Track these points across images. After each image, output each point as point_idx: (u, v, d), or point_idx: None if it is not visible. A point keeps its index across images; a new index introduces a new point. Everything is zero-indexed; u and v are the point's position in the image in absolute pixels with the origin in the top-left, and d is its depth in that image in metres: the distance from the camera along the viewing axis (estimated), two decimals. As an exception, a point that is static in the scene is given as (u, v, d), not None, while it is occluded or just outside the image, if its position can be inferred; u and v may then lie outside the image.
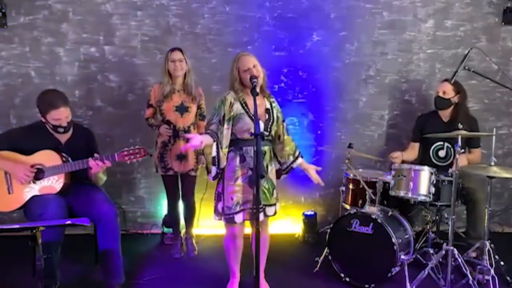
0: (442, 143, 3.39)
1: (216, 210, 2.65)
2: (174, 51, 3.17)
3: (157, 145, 3.28)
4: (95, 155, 2.65)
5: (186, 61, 3.18)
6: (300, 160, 2.74)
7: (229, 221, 2.57)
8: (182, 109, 3.19)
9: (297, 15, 3.83)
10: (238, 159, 2.56)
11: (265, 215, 2.62)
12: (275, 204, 2.67)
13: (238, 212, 2.55)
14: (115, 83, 3.81)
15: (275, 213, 2.68)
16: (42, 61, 3.72)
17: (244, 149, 2.56)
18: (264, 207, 2.60)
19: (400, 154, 3.35)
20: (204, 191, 3.48)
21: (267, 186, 2.60)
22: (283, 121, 2.74)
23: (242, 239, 2.71)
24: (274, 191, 2.66)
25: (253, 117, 2.49)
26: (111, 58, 3.77)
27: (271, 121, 2.62)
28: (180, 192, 3.38)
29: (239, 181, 2.56)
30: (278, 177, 2.76)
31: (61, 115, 2.61)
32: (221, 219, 2.62)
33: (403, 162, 3.31)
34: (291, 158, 2.71)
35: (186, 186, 3.34)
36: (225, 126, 2.50)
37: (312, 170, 2.75)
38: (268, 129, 2.60)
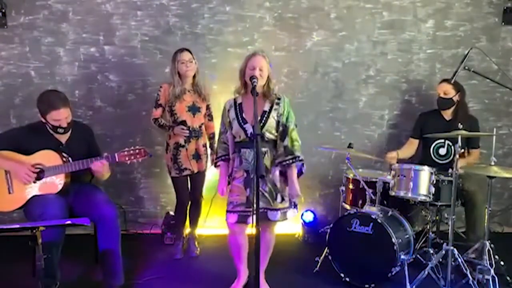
0: (443, 141, 3.40)
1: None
2: (183, 52, 3.16)
3: (169, 147, 3.26)
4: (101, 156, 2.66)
5: (195, 61, 3.19)
6: (294, 164, 2.55)
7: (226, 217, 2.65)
8: (194, 109, 3.21)
9: (297, 15, 3.83)
10: (237, 161, 2.62)
11: (268, 219, 2.57)
12: (281, 209, 2.59)
13: (230, 212, 2.60)
14: (115, 83, 3.81)
15: (283, 219, 2.60)
16: (42, 61, 3.72)
17: (242, 151, 2.59)
18: (265, 210, 2.55)
19: (395, 154, 3.39)
20: (215, 190, 3.47)
21: (267, 189, 2.57)
22: (285, 125, 2.59)
23: (245, 237, 2.70)
24: (278, 195, 2.59)
25: (241, 122, 2.59)
26: (111, 58, 3.77)
27: (262, 123, 2.55)
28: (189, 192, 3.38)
29: (235, 182, 2.61)
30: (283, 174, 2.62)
31: (61, 116, 2.61)
32: None
33: (399, 160, 3.32)
34: (290, 157, 2.55)
35: (196, 184, 3.35)
36: (228, 132, 2.68)
37: (291, 185, 2.56)
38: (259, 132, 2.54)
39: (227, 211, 2.63)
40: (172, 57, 3.20)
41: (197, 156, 3.25)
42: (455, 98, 3.35)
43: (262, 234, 2.61)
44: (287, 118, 2.62)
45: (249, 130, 2.56)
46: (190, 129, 3.18)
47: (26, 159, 2.64)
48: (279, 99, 2.64)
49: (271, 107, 2.61)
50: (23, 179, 2.58)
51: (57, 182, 2.66)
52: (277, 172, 2.62)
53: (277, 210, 2.58)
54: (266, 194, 2.56)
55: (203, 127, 3.30)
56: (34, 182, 2.63)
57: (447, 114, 3.43)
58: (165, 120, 3.28)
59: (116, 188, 3.83)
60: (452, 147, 3.34)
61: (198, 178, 3.34)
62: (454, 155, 2.75)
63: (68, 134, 2.76)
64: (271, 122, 2.58)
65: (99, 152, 2.85)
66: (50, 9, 3.66)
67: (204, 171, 3.34)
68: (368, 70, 3.95)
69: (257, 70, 2.52)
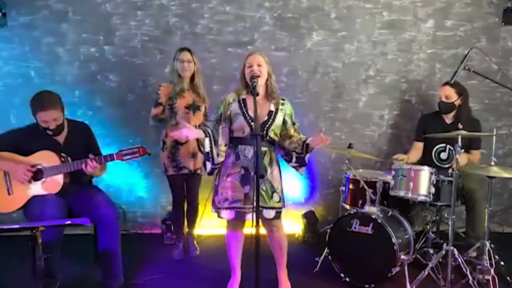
0: (444, 145, 3.38)
1: (212, 202, 2.70)
2: (183, 52, 3.17)
3: (165, 145, 3.25)
4: (90, 156, 2.63)
5: (194, 62, 3.19)
6: (310, 139, 2.56)
7: (218, 215, 2.64)
8: (194, 108, 3.21)
9: (297, 15, 3.83)
10: (233, 156, 2.60)
11: (263, 217, 2.57)
12: (276, 208, 2.60)
13: (226, 208, 2.59)
14: (115, 83, 3.81)
15: (276, 217, 2.61)
16: (42, 61, 3.73)
17: (239, 148, 2.59)
18: (261, 208, 2.54)
19: (406, 157, 3.33)
20: (210, 190, 3.46)
21: (264, 188, 2.57)
22: (294, 124, 2.69)
23: (242, 234, 2.73)
24: (275, 194, 2.61)
25: (248, 118, 2.56)
26: (111, 58, 3.77)
27: (269, 123, 2.58)
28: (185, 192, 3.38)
29: (230, 178, 2.59)
30: (301, 165, 2.67)
31: (48, 117, 2.58)
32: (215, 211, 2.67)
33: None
34: (302, 140, 2.59)
35: (192, 185, 3.35)
36: (222, 125, 2.60)
37: (317, 137, 2.47)
38: (265, 131, 2.58)
39: (221, 208, 2.60)
40: (174, 55, 3.21)
41: (194, 155, 3.25)
42: (457, 102, 3.32)
43: (270, 234, 2.69)
44: (293, 118, 2.70)
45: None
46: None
47: (25, 160, 2.64)
48: (283, 99, 2.68)
49: (277, 108, 2.63)
50: (20, 178, 2.58)
51: (57, 181, 2.66)
52: (276, 172, 2.64)
53: (272, 208, 2.59)
54: (263, 193, 2.56)
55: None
56: (30, 182, 2.62)
57: (449, 118, 3.41)
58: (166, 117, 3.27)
59: (116, 188, 3.83)
60: (453, 151, 3.32)
61: (194, 178, 3.33)
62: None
63: (65, 134, 2.75)
64: (278, 122, 2.62)
65: (98, 150, 2.85)
66: (50, 9, 3.66)
67: (199, 172, 3.31)
68: (368, 70, 3.95)
69: (255, 66, 2.52)
